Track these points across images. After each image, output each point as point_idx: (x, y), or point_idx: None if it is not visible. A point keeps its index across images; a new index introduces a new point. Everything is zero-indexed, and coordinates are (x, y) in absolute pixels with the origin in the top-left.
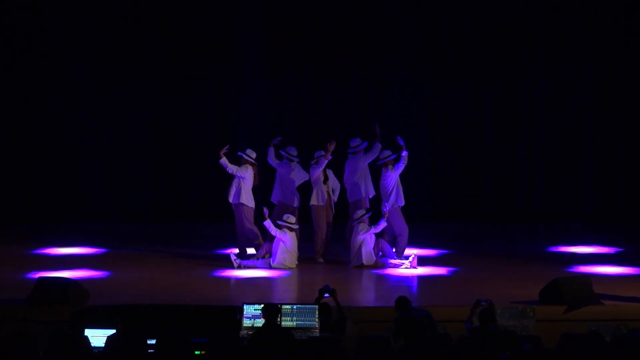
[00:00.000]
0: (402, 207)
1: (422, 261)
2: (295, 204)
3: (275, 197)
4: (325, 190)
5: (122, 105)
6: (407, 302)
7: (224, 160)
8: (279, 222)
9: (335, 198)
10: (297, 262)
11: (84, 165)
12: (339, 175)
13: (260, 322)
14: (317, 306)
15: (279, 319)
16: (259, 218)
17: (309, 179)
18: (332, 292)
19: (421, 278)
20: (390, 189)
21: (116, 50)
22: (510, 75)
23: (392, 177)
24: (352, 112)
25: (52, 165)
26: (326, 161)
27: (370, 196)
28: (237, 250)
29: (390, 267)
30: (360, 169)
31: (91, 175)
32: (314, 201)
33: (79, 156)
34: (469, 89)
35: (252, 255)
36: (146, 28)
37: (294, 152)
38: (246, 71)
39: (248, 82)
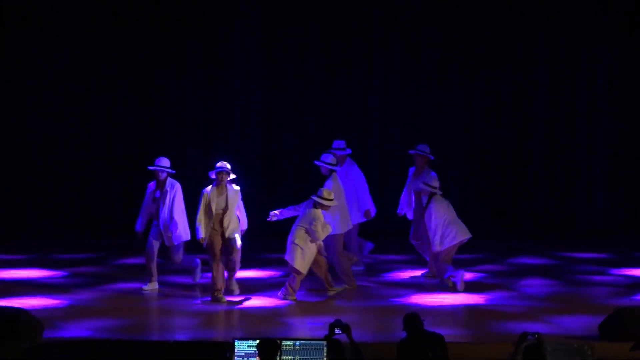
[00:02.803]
0: None
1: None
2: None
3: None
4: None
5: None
6: (418, 319)
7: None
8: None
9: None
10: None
11: (46, 174)
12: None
13: None
14: (325, 342)
15: (278, 358)
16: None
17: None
18: (345, 328)
19: (455, 305)
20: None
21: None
22: (561, 73)
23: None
24: (358, 114)
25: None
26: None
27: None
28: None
29: None
30: None
31: (50, 183)
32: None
33: (43, 164)
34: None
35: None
36: (141, 30)
37: (165, 163)
38: (241, 71)
39: (243, 83)
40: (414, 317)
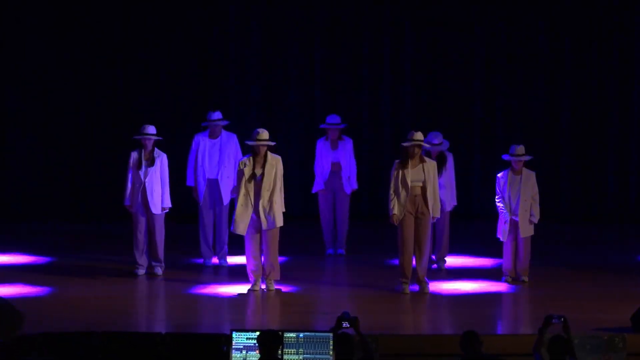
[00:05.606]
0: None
1: (477, 273)
2: None
3: None
4: None
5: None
6: (477, 340)
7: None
8: None
9: (354, 185)
10: None
11: (21, 154)
12: None
13: (255, 356)
14: (331, 334)
15: (280, 352)
16: None
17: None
18: (353, 321)
19: (475, 295)
20: None
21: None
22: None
23: None
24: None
25: None
26: None
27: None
28: None
29: None
30: None
31: (29, 165)
32: None
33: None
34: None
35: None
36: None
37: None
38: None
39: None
40: (474, 337)
